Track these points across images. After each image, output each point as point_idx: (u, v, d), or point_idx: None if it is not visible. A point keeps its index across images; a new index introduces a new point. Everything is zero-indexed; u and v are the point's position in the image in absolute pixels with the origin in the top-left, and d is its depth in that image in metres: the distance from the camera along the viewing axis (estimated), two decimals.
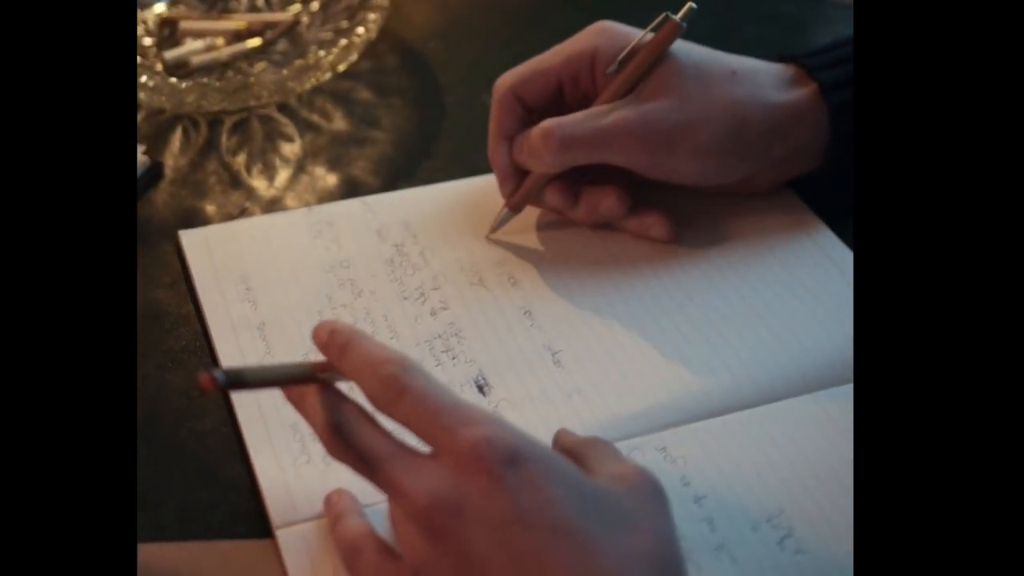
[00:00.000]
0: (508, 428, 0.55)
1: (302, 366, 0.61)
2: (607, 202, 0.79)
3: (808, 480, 0.66)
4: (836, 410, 0.69)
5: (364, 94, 0.96)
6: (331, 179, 0.88)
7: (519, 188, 0.80)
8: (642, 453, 0.68)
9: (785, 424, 0.69)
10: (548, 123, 0.76)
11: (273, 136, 0.92)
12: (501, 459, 0.54)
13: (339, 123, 0.93)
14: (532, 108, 0.79)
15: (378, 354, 0.58)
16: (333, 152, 0.91)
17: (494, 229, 0.82)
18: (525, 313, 0.77)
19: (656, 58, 0.76)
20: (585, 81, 0.79)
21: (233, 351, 0.75)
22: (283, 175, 0.89)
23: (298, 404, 0.61)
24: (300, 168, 0.89)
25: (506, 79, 0.80)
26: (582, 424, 0.69)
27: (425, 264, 0.80)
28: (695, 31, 0.77)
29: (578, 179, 0.80)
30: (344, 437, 0.58)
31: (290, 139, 0.92)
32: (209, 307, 0.77)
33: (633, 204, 0.80)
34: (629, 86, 0.77)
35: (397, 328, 0.76)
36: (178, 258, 0.81)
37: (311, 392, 0.60)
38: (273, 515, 0.65)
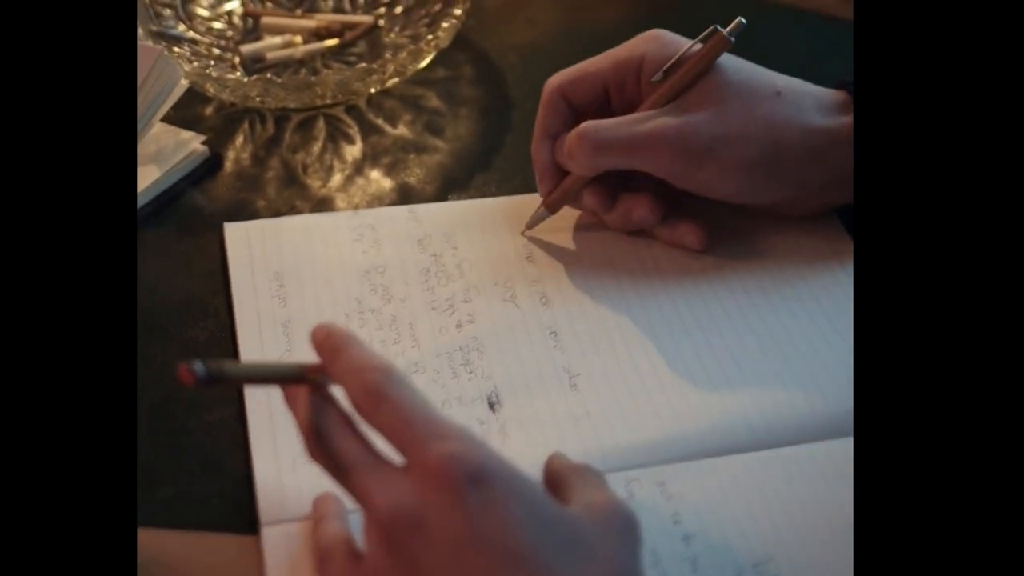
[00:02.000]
0: (478, 446, 0.55)
1: (290, 366, 0.61)
2: (640, 210, 0.79)
3: (803, 530, 0.64)
4: (844, 461, 0.67)
5: (434, 101, 0.96)
6: (385, 184, 0.88)
7: (558, 187, 0.80)
8: (640, 485, 0.66)
9: (790, 471, 0.67)
10: (585, 125, 0.76)
11: (336, 137, 0.92)
12: (465, 477, 0.53)
13: (403, 129, 0.93)
14: (579, 110, 0.79)
15: (366, 361, 0.58)
16: (392, 157, 0.91)
17: (529, 227, 0.82)
18: (551, 334, 0.76)
19: (701, 70, 0.76)
20: (631, 88, 0.78)
21: (254, 345, 0.75)
22: (338, 176, 0.89)
23: (291, 403, 0.61)
24: (357, 170, 0.89)
25: (555, 79, 0.80)
26: (585, 450, 0.68)
27: (460, 276, 0.80)
28: (781, 60, 0.77)
29: (617, 184, 0.80)
30: (323, 440, 0.58)
31: (351, 141, 0.92)
32: (239, 300, 0.78)
33: (669, 213, 0.80)
34: (672, 95, 0.76)
35: (420, 337, 0.75)
36: (220, 250, 0.82)
37: (303, 393, 0.60)
38: (263, 512, 0.65)
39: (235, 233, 0.82)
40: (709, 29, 0.75)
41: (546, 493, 0.57)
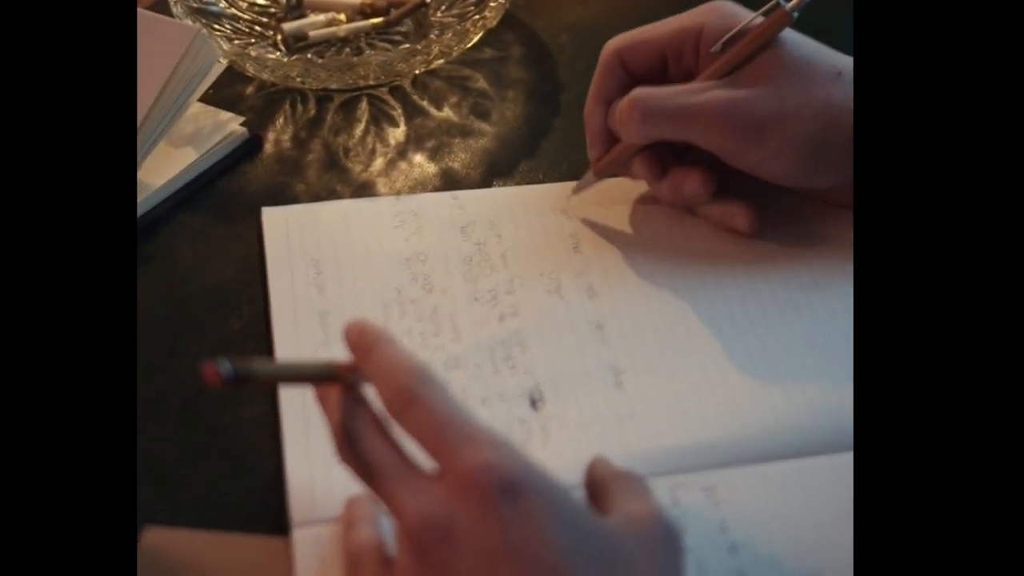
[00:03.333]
0: (513, 454, 0.53)
1: (321, 365, 0.58)
2: (691, 184, 0.76)
3: None
4: None
5: (480, 83, 0.93)
6: (428, 169, 0.85)
7: (608, 153, 0.78)
8: (686, 491, 0.64)
9: (844, 479, 0.63)
10: (636, 92, 0.74)
11: (379, 119, 0.89)
12: (499, 487, 0.51)
13: (448, 111, 0.90)
14: (635, 75, 0.76)
15: (399, 361, 0.55)
16: (436, 141, 0.88)
17: (576, 191, 0.80)
18: (597, 328, 0.73)
19: (761, 44, 0.72)
20: (689, 57, 0.75)
21: (290, 337, 0.72)
22: (380, 160, 0.86)
23: (322, 403, 0.59)
24: (400, 154, 0.87)
25: (613, 42, 0.77)
26: (629, 453, 0.65)
27: (504, 266, 0.77)
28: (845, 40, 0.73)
29: (670, 156, 0.77)
30: (354, 443, 0.55)
31: (395, 123, 0.89)
32: (275, 289, 0.75)
33: (720, 191, 0.77)
34: (729, 68, 0.73)
35: (460, 330, 0.73)
36: (257, 235, 0.79)
37: (334, 393, 0.58)
38: (294, 513, 0.63)
39: (273, 218, 0.80)
40: (771, 3, 0.72)
41: (584, 504, 0.54)
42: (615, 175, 0.80)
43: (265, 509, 0.64)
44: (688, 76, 0.76)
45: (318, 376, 0.58)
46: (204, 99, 0.86)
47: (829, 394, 0.68)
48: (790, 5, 0.71)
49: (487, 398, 0.69)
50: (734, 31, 0.73)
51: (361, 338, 0.57)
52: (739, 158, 0.73)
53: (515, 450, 0.53)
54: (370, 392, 0.57)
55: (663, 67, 0.77)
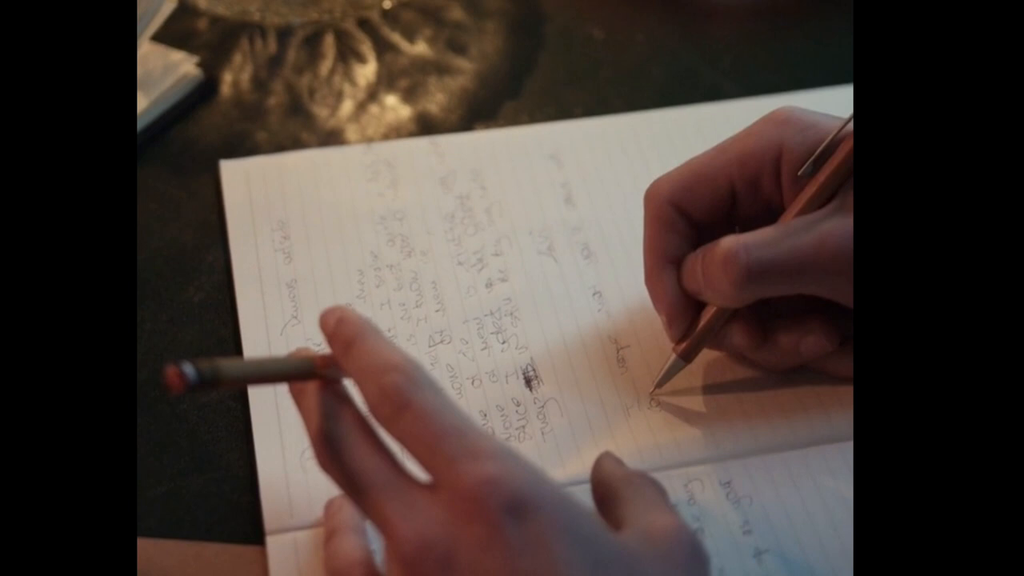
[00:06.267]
0: (519, 467, 0.46)
1: (298, 362, 0.52)
2: (812, 341, 0.60)
3: None
4: None
5: (457, 13, 0.85)
6: (402, 112, 0.78)
7: (691, 327, 0.61)
8: (702, 485, 0.58)
9: None
10: (729, 245, 0.57)
11: (346, 55, 0.81)
12: (505, 505, 0.45)
13: (422, 46, 0.82)
14: (699, 221, 0.61)
15: (386, 357, 0.49)
16: (410, 80, 0.80)
17: (660, 384, 0.62)
18: (595, 294, 0.66)
19: None
20: (768, 186, 0.60)
21: (256, 311, 0.66)
22: (349, 103, 0.78)
23: (298, 402, 0.52)
24: (370, 96, 0.79)
25: (662, 186, 0.61)
26: (636, 444, 0.60)
27: (490, 223, 0.70)
28: None
29: (762, 308, 0.61)
30: (336, 450, 0.49)
31: (363, 60, 0.81)
32: (238, 255, 0.68)
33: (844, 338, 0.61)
34: (830, 191, 0.57)
35: (445, 300, 0.66)
36: (216, 192, 0.72)
37: (312, 389, 0.51)
38: (267, 517, 0.57)
39: (232, 172, 0.72)
40: None
41: (598, 520, 0.48)
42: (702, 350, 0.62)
43: (236, 510, 0.59)
44: (767, 209, 0.61)
45: (294, 374, 0.52)
46: (152, 36, 0.78)
47: None
48: None
49: (476, 377, 0.63)
50: (824, 143, 0.58)
51: (340, 329, 0.51)
52: None
53: (521, 461, 0.47)
54: (352, 387, 0.50)
55: (731, 204, 0.61)
